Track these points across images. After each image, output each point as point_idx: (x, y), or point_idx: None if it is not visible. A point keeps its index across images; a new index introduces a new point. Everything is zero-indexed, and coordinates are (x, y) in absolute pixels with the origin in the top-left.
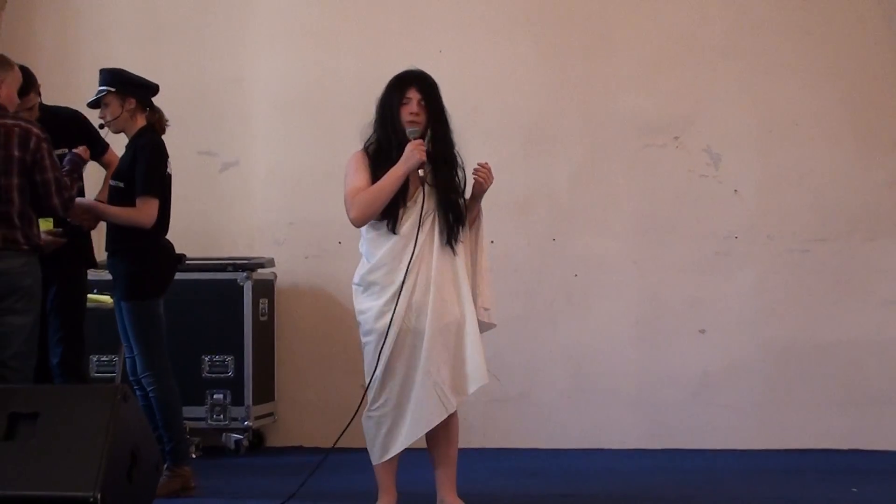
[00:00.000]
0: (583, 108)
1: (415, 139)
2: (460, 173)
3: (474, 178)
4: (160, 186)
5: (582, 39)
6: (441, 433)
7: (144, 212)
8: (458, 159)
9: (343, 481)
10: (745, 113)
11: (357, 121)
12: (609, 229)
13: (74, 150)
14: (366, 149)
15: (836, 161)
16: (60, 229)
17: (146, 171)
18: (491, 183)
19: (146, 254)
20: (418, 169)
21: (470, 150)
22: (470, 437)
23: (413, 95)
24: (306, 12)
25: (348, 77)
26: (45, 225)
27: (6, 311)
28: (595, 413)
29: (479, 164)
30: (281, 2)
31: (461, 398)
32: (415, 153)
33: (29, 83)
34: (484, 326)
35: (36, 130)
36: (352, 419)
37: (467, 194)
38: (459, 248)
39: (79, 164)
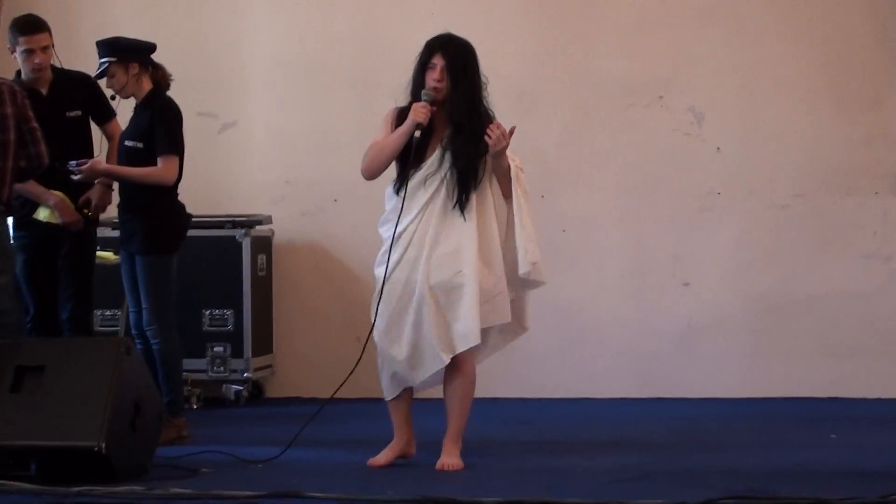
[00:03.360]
0: (570, 69)
1: (424, 101)
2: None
3: (487, 140)
4: (181, 145)
5: (568, 2)
6: (448, 387)
7: (167, 169)
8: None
9: (348, 428)
10: (727, 73)
11: (351, 81)
12: (596, 187)
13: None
14: (400, 107)
15: (815, 119)
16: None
17: (168, 130)
18: (504, 145)
19: (163, 211)
20: (415, 130)
21: None
22: None
23: (438, 62)
24: None
25: (343, 39)
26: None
27: None
28: (583, 364)
29: (489, 126)
30: None
31: (450, 355)
32: (412, 114)
33: (37, 25)
34: (531, 284)
35: (17, 88)
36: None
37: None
38: (471, 212)
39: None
